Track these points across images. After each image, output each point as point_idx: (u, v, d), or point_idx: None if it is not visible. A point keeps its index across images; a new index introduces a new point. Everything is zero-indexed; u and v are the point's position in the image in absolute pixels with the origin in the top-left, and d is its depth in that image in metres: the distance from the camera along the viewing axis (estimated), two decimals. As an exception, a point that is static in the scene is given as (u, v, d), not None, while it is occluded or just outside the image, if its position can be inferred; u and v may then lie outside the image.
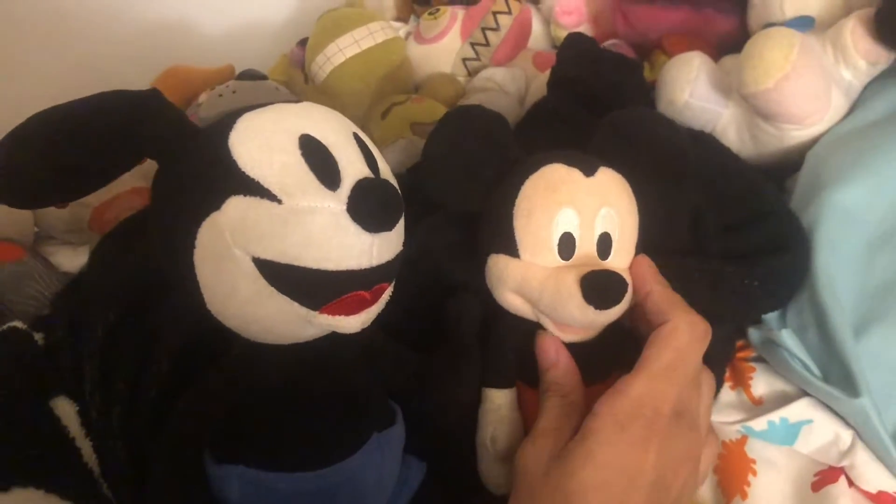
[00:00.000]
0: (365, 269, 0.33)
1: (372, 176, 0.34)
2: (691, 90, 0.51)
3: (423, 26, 0.66)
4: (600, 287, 0.35)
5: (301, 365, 0.35)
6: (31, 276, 0.53)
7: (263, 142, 0.32)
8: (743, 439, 0.42)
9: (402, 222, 0.35)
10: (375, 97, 0.60)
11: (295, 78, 0.64)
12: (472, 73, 0.65)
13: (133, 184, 0.60)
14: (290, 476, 0.34)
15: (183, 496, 0.34)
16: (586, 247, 0.37)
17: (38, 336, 0.43)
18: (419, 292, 0.42)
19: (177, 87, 0.68)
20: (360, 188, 0.32)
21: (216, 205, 0.31)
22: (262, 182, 0.31)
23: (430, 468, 0.42)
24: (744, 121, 0.50)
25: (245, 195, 0.30)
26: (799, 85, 0.45)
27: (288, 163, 0.31)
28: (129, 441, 0.38)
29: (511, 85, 0.61)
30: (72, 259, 0.60)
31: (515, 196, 0.38)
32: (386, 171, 0.36)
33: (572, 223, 0.36)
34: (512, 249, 0.38)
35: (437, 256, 0.44)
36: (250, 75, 0.60)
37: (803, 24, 0.51)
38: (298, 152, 0.32)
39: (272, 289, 0.31)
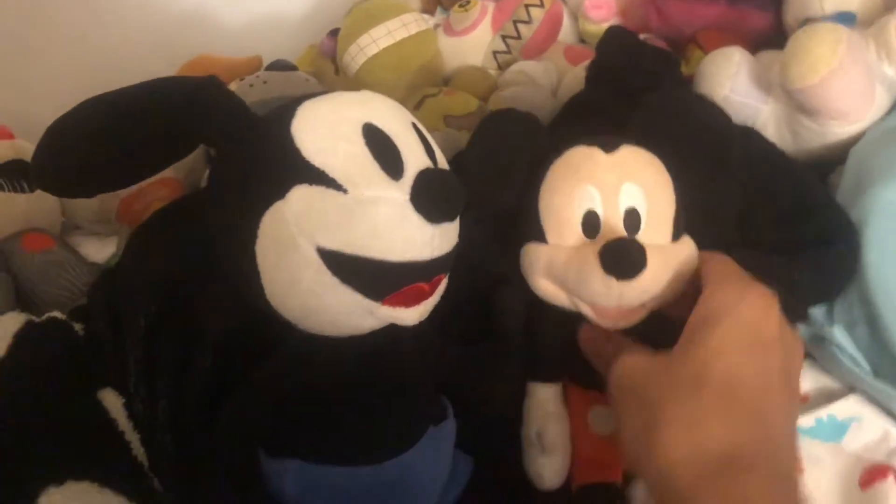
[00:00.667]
0: (426, 261, 0.32)
1: (433, 166, 0.33)
2: (732, 85, 0.50)
3: (453, 18, 0.65)
4: (618, 255, 0.34)
5: (358, 358, 0.34)
6: (61, 265, 0.52)
7: (327, 130, 0.31)
8: (789, 436, 0.42)
9: None
10: (407, 89, 0.59)
11: (324, 69, 0.64)
12: (502, 66, 0.64)
13: (162, 174, 0.59)
14: (347, 470, 0.33)
15: (238, 491, 0.33)
16: (612, 223, 0.36)
17: (77, 327, 0.42)
18: (463, 284, 0.42)
19: (203, 77, 0.67)
20: (424, 179, 0.32)
21: (280, 193, 0.30)
22: (327, 171, 0.30)
23: (476, 462, 0.41)
24: (784, 117, 0.50)
25: (310, 184, 0.30)
26: (845, 81, 0.45)
27: (352, 152, 0.31)
28: (176, 434, 0.38)
29: (543, 78, 0.60)
30: (99, 250, 0.59)
31: (541, 183, 0.38)
32: (443, 162, 0.36)
33: (594, 200, 0.36)
34: (539, 235, 0.38)
35: (481, 248, 0.44)
36: (281, 66, 0.60)
37: (844, 19, 0.51)
38: (362, 141, 0.31)
39: (336, 279, 0.31)
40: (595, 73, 0.52)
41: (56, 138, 0.32)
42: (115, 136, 0.32)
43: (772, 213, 0.43)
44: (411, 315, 0.33)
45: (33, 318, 0.41)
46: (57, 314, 0.42)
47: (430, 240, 0.32)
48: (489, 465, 0.41)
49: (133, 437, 0.36)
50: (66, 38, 0.71)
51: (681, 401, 0.29)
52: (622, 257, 0.34)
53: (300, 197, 0.30)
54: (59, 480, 0.31)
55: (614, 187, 0.36)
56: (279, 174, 0.30)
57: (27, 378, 0.35)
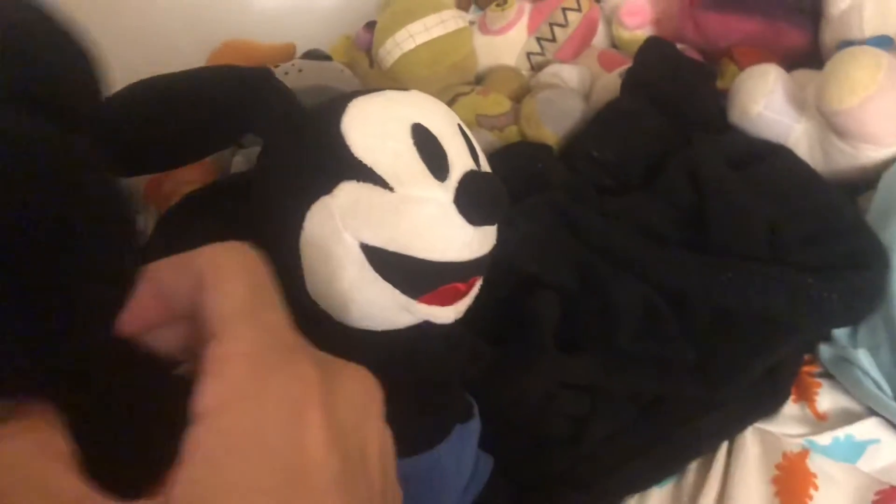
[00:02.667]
0: (465, 262, 0.33)
1: (477, 169, 0.33)
2: (766, 102, 0.51)
3: (489, 17, 0.65)
4: None
5: (391, 353, 0.35)
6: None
7: (377, 128, 0.32)
8: (804, 453, 0.42)
9: None
10: (440, 86, 0.60)
11: (358, 60, 0.64)
12: (535, 68, 0.65)
13: (191, 156, 0.59)
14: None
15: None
16: None
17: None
18: (493, 285, 0.43)
19: (235, 62, 0.67)
20: (468, 181, 0.32)
21: (328, 188, 0.30)
22: (375, 169, 0.30)
23: (496, 462, 0.42)
24: (816, 136, 0.50)
25: (358, 181, 0.30)
26: (882, 106, 0.45)
27: (400, 151, 0.31)
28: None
29: (578, 82, 0.60)
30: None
31: None
32: (485, 165, 0.36)
33: None
34: None
35: (511, 249, 0.44)
36: (316, 55, 0.60)
37: (882, 43, 0.51)
38: (410, 141, 0.32)
39: (377, 275, 0.31)
40: (632, 82, 0.52)
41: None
42: (165, 120, 0.32)
43: (801, 232, 0.43)
44: (446, 314, 0.34)
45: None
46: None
47: (470, 241, 0.32)
48: (508, 464, 0.42)
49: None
50: (94, 19, 0.71)
51: None
52: None
53: (347, 193, 0.30)
54: None
55: None
56: (328, 169, 0.31)
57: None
